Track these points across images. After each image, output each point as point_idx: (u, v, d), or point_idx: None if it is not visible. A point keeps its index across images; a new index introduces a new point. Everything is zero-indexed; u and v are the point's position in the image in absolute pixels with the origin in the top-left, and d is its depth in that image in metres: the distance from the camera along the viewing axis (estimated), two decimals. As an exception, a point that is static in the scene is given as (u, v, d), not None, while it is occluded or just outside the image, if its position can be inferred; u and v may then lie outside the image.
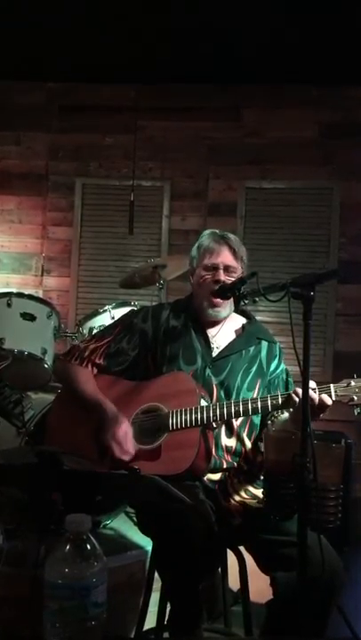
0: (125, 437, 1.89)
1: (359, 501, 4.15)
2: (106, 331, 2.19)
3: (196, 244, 2.08)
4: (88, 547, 0.82)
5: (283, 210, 4.35)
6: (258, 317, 2.82)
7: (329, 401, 1.74)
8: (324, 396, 1.74)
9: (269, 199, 4.39)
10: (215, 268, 1.99)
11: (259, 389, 1.98)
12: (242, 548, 1.91)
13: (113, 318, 3.06)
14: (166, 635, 1.80)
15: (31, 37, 3.87)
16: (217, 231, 2.09)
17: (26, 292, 3.15)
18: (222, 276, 1.97)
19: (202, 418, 1.84)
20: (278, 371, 2.06)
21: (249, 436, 1.97)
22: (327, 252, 4.29)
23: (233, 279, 1.96)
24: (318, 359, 4.15)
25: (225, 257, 2.00)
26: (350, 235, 4.29)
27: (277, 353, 2.08)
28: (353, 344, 4.24)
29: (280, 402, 1.82)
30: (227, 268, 1.99)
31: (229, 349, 2.03)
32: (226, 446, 1.93)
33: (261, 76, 4.20)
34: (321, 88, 4.32)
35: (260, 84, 4.30)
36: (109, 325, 2.27)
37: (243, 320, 2.13)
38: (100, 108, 4.47)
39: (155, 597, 1.92)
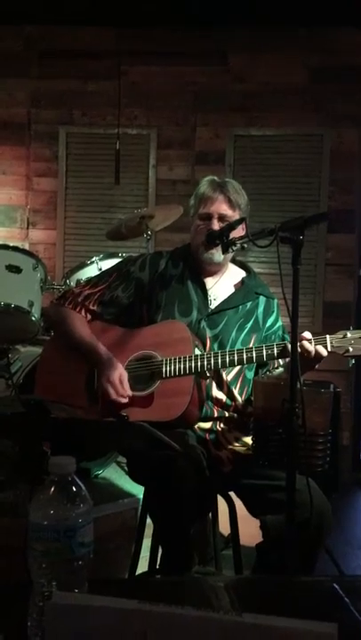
0: (121, 380, 1.89)
1: (347, 449, 4.25)
2: (101, 277, 2.14)
3: (195, 192, 2.03)
4: (73, 488, 0.82)
5: (272, 158, 4.25)
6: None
7: (324, 352, 1.73)
8: (320, 348, 1.73)
9: (258, 147, 4.28)
10: (209, 218, 1.95)
11: (254, 345, 1.96)
12: (232, 494, 1.94)
13: (100, 270, 3.02)
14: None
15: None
16: (216, 178, 2.03)
17: (10, 245, 3.09)
18: (216, 226, 1.93)
19: (195, 366, 1.84)
20: (275, 327, 2.04)
21: (240, 392, 1.96)
22: (317, 200, 4.23)
23: None
24: (308, 309, 4.14)
25: (219, 206, 1.95)
26: (340, 182, 4.22)
27: (275, 309, 2.06)
28: (342, 294, 4.23)
29: (275, 352, 1.80)
30: (221, 218, 1.94)
31: (227, 304, 2.00)
32: (216, 398, 1.93)
33: (248, 18, 4.04)
34: (311, 30, 4.17)
35: (247, 27, 4.14)
36: (105, 272, 2.23)
37: (242, 273, 2.10)
38: (82, 53, 4.29)
39: (147, 543, 1.95)
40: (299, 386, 1.49)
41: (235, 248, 1.83)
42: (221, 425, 1.93)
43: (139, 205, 4.14)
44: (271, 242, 1.61)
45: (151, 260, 2.06)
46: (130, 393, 1.89)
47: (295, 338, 1.54)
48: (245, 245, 1.79)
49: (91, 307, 2.04)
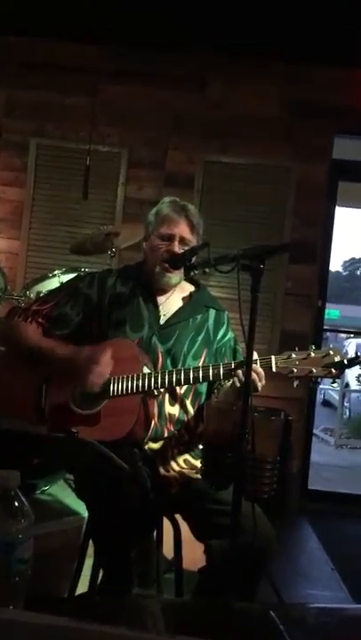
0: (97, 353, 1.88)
1: (295, 477, 4.29)
2: (50, 294, 2.15)
3: (154, 211, 2.05)
4: (15, 503, 0.81)
5: (240, 186, 4.33)
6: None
7: (261, 371, 1.75)
8: (258, 368, 1.75)
9: (228, 174, 4.35)
10: (170, 239, 1.98)
11: (205, 358, 1.99)
12: (178, 516, 1.93)
13: (61, 284, 3.01)
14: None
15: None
16: (177, 200, 2.06)
17: (-29, 252, 3.05)
18: (177, 248, 1.96)
19: (143, 385, 1.84)
20: (226, 339, 2.07)
21: (193, 404, 1.98)
22: (281, 230, 4.31)
23: None
24: (265, 336, 4.19)
25: (182, 229, 1.99)
26: (304, 215, 4.32)
27: (225, 321, 2.10)
28: (300, 323, 4.30)
29: (221, 372, 1.83)
30: (182, 240, 1.98)
31: (177, 317, 2.02)
32: (169, 414, 1.93)
33: (227, 48, 4.14)
34: (287, 65, 4.28)
35: (226, 56, 4.23)
36: (54, 289, 2.24)
37: (191, 288, 2.13)
38: (60, 67, 4.31)
39: (89, 563, 1.93)
40: (250, 411, 1.51)
41: (196, 272, 1.86)
42: (171, 446, 1.93)
43: (105, 222, 4.14)
44: (232, 268, 1.64)
45: (99, 278, 2.06)
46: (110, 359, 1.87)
47: (250, 364, 1.56)
48: (207, 270, 1.82)
49: (40, 320, 2.03)
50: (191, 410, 1.97)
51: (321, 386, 8.65)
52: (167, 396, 1.93)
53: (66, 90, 4.32)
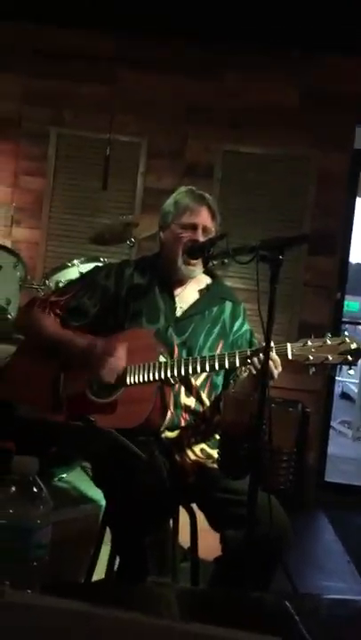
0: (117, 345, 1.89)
1: (313, 469, 4.28)
2: (68, 286, 2.17)
3: (172, 200, 2.04)
4: (34, 489, 0.82)
5: (259, 176, 4.29)
6: (227, 283, 2.83)
7: (277, 358, 1.75)
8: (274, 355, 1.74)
9: (247, 164, 4.32)
10: (194, 228, 1.97)
11: (221, 350, 1.98)
12: (194, 506, 1.94)
13: (81, 273, 3.03)
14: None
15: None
16: (194, 189, 2.06)
17: (-8, 241, 3.08)
18: (200, 237, 1.96)
19: (159, 374, 1.85)
20: (242, 331, 2.06)
21: (209, 396, 1.98)
22: (300, 221, 4.28)
23: None
24: (283, 328, 4.17)
25: (204, 217, 1.99)
26: (324, 206, 4.28)
27: (241, 313, 2.09)
28: (318, 315, 4.26)
29: (237, 360, 1.82)
30: (204, 229, 1.98)
31: (193, 309, 2.02)
32: (185, 405, 1.94)
33: (244, 37, 4.10)
34: (307, 54, 4.23)
35: (246, 44, 4.19)
36: (72, 281, 2.27)
37: (207, 280, 2.12)
38: (79, 56, 4.30)
39: (106, 550, 1.94)
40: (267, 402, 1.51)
41: (215, 262, 1.85)
42: (188, 435, 1.94)
43: (124, 212, 4.14)
44: (251, 259, 1.63)
45: (117, 269, 2.07)
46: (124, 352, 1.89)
47: (268, 354, 1.56)
48: (226, 261, 1.82)
49: (57, 311, 2.05)
50: (207, 401, 1.97)
51: (340, 378, 8.58)
52: (182, 387, 1.94)
53: (84, 78, 4.31)
